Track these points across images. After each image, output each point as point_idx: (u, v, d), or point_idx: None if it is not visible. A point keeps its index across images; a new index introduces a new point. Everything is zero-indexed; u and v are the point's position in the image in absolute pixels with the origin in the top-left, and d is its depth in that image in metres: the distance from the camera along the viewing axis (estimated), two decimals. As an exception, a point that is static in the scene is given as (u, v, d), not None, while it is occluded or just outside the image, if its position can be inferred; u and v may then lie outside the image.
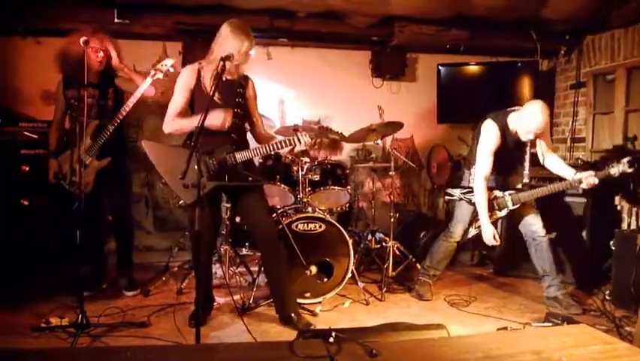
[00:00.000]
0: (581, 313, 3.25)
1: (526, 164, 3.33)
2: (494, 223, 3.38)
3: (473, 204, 3.36)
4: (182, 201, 4.35)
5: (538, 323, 3.03)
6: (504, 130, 3.24)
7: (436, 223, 4.74)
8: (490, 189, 3.33)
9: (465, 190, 3.44)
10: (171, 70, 3.38)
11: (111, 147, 3.37)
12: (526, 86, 4.77)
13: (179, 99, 2.88)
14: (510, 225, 4.07)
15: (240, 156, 2.83)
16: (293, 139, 2.80)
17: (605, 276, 3.60)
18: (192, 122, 2.73)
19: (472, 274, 4.30)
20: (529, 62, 4.86)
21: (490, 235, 3.25)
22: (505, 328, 2.92)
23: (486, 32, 4.63)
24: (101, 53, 3.37)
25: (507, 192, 3.35)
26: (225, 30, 2.78)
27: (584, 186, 3.13)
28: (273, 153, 3.31)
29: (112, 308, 3.10)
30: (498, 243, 3.29)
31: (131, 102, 3.30)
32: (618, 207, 4.14)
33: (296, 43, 4.96)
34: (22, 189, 3.73)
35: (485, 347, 1.79)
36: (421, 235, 4.53)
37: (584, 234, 3.82)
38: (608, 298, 3.43)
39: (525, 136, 3.20)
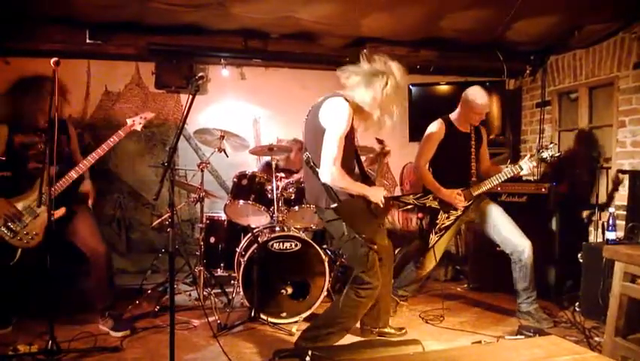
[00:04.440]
0: (553, 326, 3.31)
1: (473, 164, 3.42)
2: (457, 229, 3.54)
3: (428, 209, 3.41)
4: (155, 223, 4.36)
5: (510, 336, 3.08)
6: (448, 124, 3.38)
7: (410, 240, 4.79)
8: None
9: (417, 195, 3.46)
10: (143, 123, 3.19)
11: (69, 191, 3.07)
12: (494, 104, 4.90)
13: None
14: (481, 240, 4.15)
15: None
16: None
17: (575, 288, 3.70)
18: (354, 188, 2.56)
19: (447, 290, 4.34)
20: (497, 82, 5.00)
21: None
22: (479, 342, 2.97)
23: (455, 53, 4.77)
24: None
25: (457, 191, 3.34)
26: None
27: (524, 171, 3.26)
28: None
29: (83, 333, 3.01)
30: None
31: (102, 150, 3.05)
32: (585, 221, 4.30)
33: (269, 63, 5.01)
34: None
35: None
36: (396, 252, 4.56)
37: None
38: (577, 309, 3.52)
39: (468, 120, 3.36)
